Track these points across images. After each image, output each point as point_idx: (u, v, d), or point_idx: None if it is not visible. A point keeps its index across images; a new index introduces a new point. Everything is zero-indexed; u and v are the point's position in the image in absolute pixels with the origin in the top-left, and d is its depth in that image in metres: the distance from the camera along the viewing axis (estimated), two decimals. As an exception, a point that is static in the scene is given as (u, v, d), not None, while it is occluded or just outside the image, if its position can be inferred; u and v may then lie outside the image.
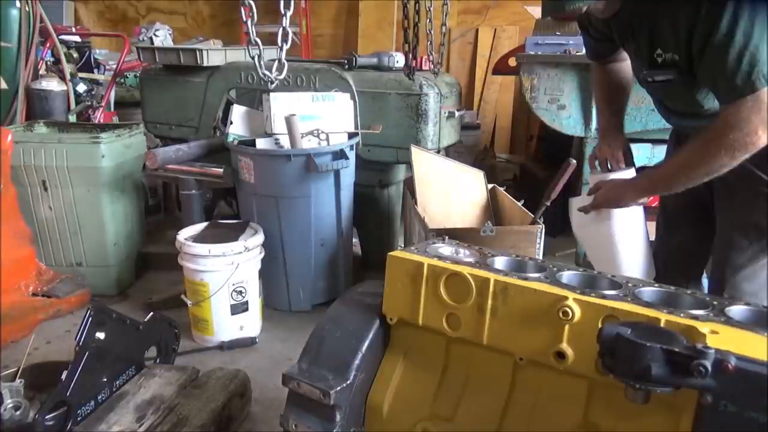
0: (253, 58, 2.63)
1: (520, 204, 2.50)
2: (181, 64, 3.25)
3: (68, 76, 4.01)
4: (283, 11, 2.50)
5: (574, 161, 2.28)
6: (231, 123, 2.88)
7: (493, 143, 5.36)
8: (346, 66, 3.04)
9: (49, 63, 4.13)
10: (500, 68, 4.47)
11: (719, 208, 1.69)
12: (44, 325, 2.61)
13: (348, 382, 1.29)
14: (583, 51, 2.14)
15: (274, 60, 2.70)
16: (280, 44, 2.60)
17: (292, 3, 2.51)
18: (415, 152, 2.60)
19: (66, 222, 2.84)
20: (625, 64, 1.90)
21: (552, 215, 2.36)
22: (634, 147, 1.95)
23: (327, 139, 2.73)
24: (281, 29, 2.56)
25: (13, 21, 3.73)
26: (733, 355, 0.93)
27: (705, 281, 1.94)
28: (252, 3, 2.50)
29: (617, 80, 1.93)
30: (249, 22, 2.54)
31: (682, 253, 1.91)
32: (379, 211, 3.14)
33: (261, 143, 2.76)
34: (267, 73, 2.67)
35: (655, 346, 0.95)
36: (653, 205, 1.99)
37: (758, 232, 1.57)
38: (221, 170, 2.70)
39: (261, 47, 2.61)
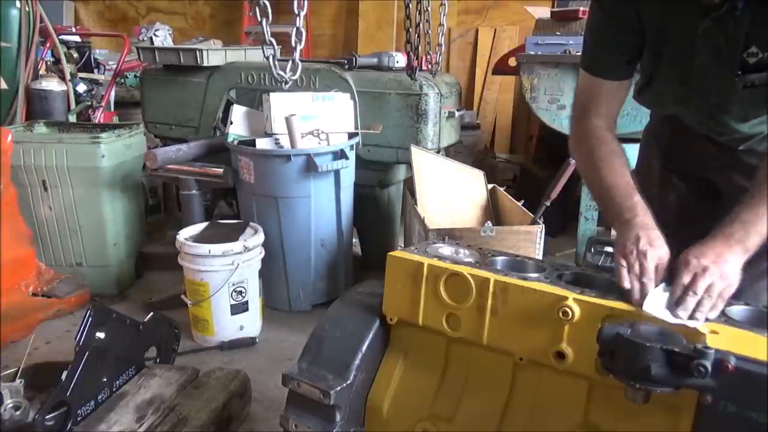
0: (267, 58, 2.64)
1: (520, 204, 2.50)
2: (181, 64, 3.26)
3: (68, 76, 4.01)
4: (296, 11, 2.51)
5: (574, 161, 2.27)
6: (231, 123, 2.88)
7: (493, 143, 5.36)
8: (346, 66, 3.04)
9: (49, 63, 4.13)
10: (500, 68, 4.47)
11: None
12: (44, 325, 2.61)
13: (348, 382, 1.29)
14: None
15: (280, 60, 2.70)
16: (293, 44, 2.61)
17: (306, 3, 2.52)
18: (415, 152, 2.60)
19: (66, 222, 2.84)
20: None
21: (552, 215, 2.36)
22: (631, 148, 1.76)
23: (327, 139, 2.73)
24: (295, 29, 2.58)
25: (13, 21, 3.73)
26: (733, 355, 0.93)
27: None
28: (267, 3, 2.50)
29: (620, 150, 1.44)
30: (264, 22, 2.55)
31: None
32: (379, 211, 3.14)
33: (261, 143, 2.75)
34: (281, 73, 2.68)
35: (655, 346, 0.95)
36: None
37: None
38: (221, 170, 2.70)
39: (276, 47, 2.61)
